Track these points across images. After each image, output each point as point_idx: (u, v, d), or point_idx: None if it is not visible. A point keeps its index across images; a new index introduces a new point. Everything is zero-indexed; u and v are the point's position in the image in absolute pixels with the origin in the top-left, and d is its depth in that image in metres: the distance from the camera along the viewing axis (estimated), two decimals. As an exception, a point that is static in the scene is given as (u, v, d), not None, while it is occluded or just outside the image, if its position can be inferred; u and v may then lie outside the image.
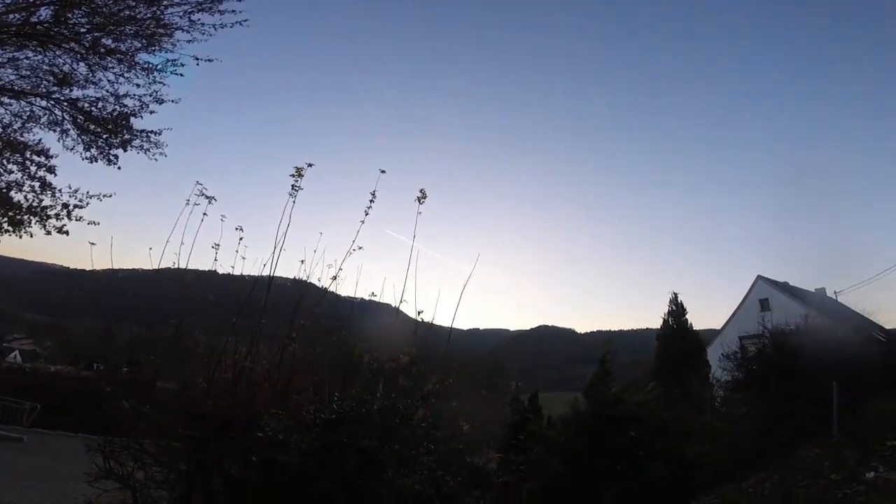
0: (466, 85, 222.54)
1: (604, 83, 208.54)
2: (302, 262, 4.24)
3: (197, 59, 6.31)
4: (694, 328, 19.35)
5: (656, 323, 19.95)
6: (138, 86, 6.42)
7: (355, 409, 3.38)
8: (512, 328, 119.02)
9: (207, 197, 4.02)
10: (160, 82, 6.41)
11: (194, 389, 3.65)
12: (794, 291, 25.14)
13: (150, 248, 3.90)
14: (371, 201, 4.09)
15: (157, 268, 3.91)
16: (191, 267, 3.99)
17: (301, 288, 4.32)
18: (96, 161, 6.55)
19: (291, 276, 4.31)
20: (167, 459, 3.41)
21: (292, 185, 3.96)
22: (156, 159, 6.69)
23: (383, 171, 4.21)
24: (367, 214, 4.06)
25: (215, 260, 3.95)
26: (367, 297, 4.59)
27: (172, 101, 6.54)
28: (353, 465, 3.10)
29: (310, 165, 4.00)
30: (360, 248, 4.08)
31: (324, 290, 4.31)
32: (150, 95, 6.44)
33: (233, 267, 4.02)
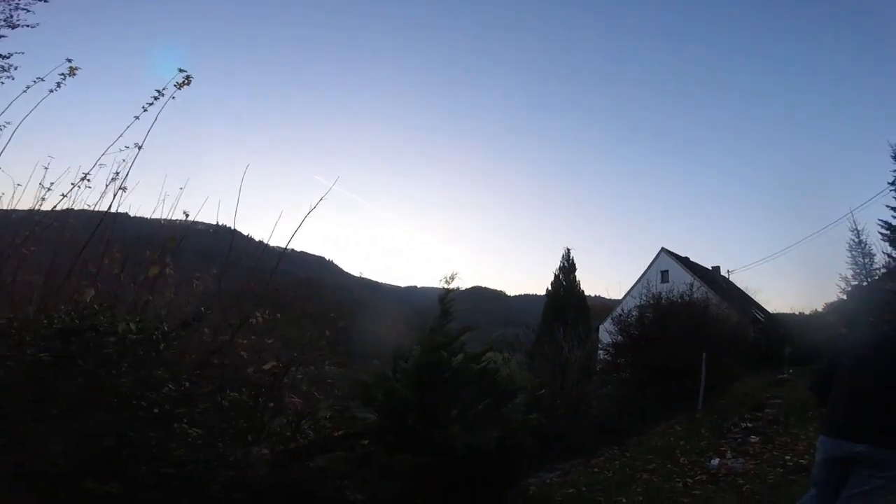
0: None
1: (537, 45, 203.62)
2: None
3: None
4: (581, 287, 18.74)
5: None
6: None
7: (90, 320, 3.10)
8: (449, 288, 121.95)
9: None
10: (24, 8, 5.96)
11: None
12: (692, 266, 25.90)
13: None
14: (155, 98, 3.93)
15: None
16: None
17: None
18: None
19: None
20: None
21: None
22: (2, 82, 6.25)
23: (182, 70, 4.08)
24: (144, 111, 3.92)
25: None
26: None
27: (28, 27, 6.13)
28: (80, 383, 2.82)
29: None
30: (139, 146, 3.93)
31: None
32: (4, 20, 6.03)
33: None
